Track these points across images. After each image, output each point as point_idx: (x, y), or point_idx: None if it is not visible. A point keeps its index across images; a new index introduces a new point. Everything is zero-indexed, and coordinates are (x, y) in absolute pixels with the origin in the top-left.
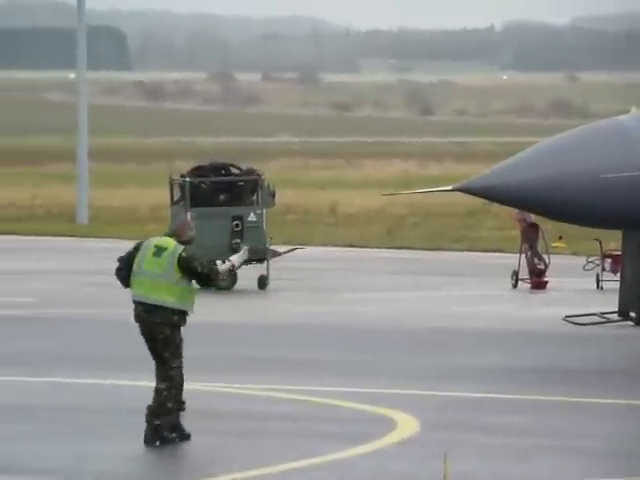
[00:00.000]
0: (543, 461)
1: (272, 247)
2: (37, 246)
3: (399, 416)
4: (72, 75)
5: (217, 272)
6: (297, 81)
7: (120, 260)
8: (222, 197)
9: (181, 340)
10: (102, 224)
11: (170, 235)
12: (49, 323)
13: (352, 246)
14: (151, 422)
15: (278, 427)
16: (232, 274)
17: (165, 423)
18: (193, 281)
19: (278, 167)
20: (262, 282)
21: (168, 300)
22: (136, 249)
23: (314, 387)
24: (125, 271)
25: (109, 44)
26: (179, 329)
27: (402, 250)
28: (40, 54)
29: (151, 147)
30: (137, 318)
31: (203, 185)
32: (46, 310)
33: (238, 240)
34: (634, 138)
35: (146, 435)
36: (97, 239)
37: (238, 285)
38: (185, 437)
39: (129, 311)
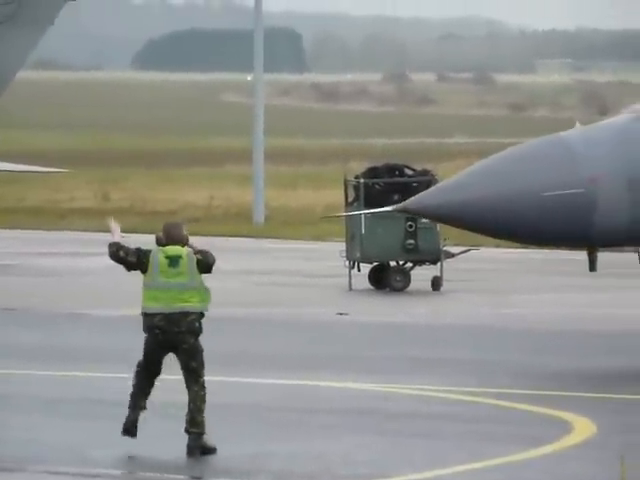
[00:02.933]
0: None
1: (446, 248)
2: (214, 246)
3: (574, 419)
4: (249, 77)
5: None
6: (472, 82)
7: (134, 253)
8: (396, 198)
9: (202, 348)
10: (278, 225)
11: (172, 242)
12: (222, 322)
13: (526, 247)
14: (191, 432)
15: (450, 428)
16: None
17: (202, 431)
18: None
19: (453, 168)
20: (436, 283)
21: (195, 305)
22: (145, 254)
23: (486, 389)
24: (135, 260)
25: (285, 45)
26: (199, 335)
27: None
28: (217, 56)
29: (326, 148)
30: (154, 329)
31: (377, 186)
32: (221, 310)
33: (412, 241)
34: (576, 155)
35: (189, 447)
36: (273, 240)
37: (412, 286)
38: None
39: (298, 310)
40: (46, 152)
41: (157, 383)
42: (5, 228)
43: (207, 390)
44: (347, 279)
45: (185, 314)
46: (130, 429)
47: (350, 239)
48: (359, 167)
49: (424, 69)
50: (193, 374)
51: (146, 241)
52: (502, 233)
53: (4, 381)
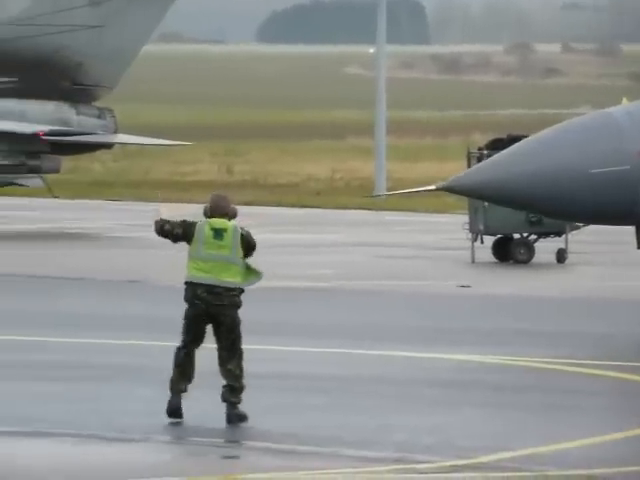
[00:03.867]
0: None
1: None
2: (337, 219)
3: None
4: (371, 49)
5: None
6: (596, 52)
7: (180, 224)
8: None
9: (240, 322)
10: (399, 198)
11: (218, 215)
12: (345, 295)
13: None
14: (231, 401)
15: (569, 401)
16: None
17: (238, 400)
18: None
19: None
20: (560, 256)
21: (237, 280)
22: (191, 225)
23: (607, 362)
24: (181, 232)
25: (408, 17)
26: (239, 308)
27: None
28: (340, 28)
29: (448, 120)
30: (195, 299)
31: None
32: (344, 282)
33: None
34: (623, 131)
35: (228, 416)
36: (394, 212)
37: (536, 259)
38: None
39: (419, 282)
40: (170, 125)
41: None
42: (130, 200)
43: (311, 361)
44: (470, 252)
45: (227, 289)
46: (175, 412)
47: (473, 212)
48: (482, 139)
49: (548, 39)
50: (232, 346)
51: (270, 213)
52: (547, 210)
53: (135, 354)
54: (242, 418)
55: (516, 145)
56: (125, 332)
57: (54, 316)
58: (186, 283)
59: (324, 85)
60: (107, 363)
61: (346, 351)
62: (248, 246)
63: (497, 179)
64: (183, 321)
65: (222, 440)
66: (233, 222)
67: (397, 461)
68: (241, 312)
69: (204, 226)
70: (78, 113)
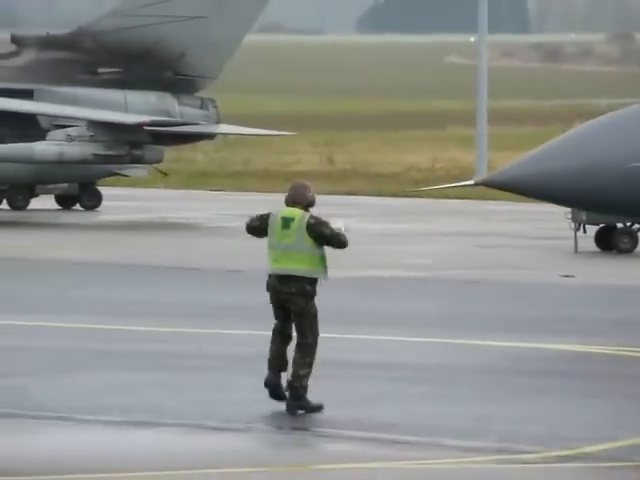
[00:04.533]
0: None
1: None
2: (437, 209)
3: None
4: (472, 38)
5: (343, 236)
6: None
7: (259, 218)
8: None
9: (316, 311)
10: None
11: (292, 204)
12: (443, 284)
13: None
14: (292, 386)
15: None
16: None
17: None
18: (324, 248)
19: None
20: None
21: (301, 269)
22: (266, 216)
23: None
24: (258, 224)
25: (509, 6)
26: (313, 299)
27: None
28: (441, 17)
29: (549, 109)
30: (270, 288)
31: None
32: (444, 272)
33: None
34: None
35: (287, 405)
36: (493, 201)
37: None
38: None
39: (521, 272)
40: (271, 115)
41: None
42: (233, 191)
43: (410, 350)
44: (573, 241)
45: (292, 277)
46: (272, 390)
47: None
48: None
49: None
50: (300, 335)
51: (372, 203)
52: (586, 205)
53: (237, 343)
54: (303, 408)
55: (555, 140)
56: (227, 321)
57: (159, 306)
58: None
59: (425, 74)
60: (212, 352)
61: (446, 341)
62: (317, 235)
63: (535, 174)
64: None
65: (323, 429)
66: (301, 211)
67: (500, 451)
68: (337, 301)
69: (277, 216)
70: (180, 103)
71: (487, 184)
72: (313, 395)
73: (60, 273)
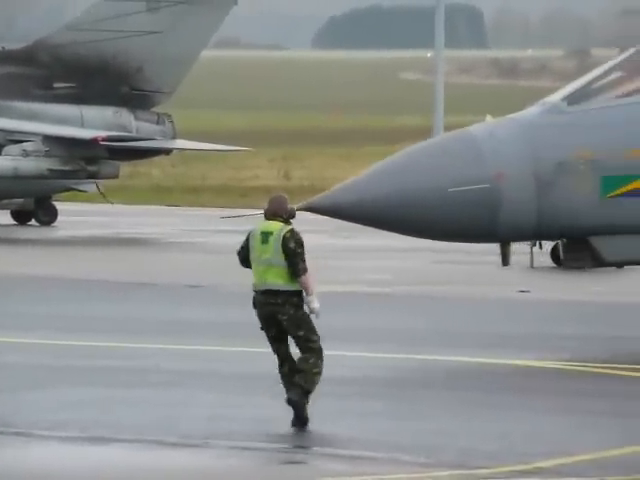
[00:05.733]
0: None
1: None
2: None
3: None
4: (429, 54)
5: (303, 267)
6: None
7: (240, 250)
8: None
9: (308, 315)
10: None
11: (272, 217)
12: (403, 300)
13: None
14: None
15: (638, 407)
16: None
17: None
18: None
19: None
20: None
21: (278, 283)
22: (248, 236)
23: None
24: (243, 253)
25: (466, 22)
26: (302, 308)
27: None
28: (398, 33)
29: None
30: (257, 304)
31: None
32: (402, 287)
33: None
34: (482, 150)
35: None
36: None
37: None
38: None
39: (478, 288)
40: (228, 131)
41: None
42: (189, 206)
43: (370, 366)
44: (529, 256)
45: (277, 291)
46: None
47: None
48: None
49: (607, 44)
50: (302, 342)
51: (329, 218)
52: (408, 229)
53: (197, 359)
54: (303, 421)
55: (375, 165)
56: (187, 337)
57: (119, 321)
58: None
59: (381, 90)
60: (170, 368)
61: (406, 356)
62: (285, 249)
63: (357, 199)
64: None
65: (282, 446)
66: (280, 224)
67: (457, 466)
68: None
69: (257, 232)
70: (137, 118)
71: (309, 209)
72: (273, 410)
73: (17, 289)
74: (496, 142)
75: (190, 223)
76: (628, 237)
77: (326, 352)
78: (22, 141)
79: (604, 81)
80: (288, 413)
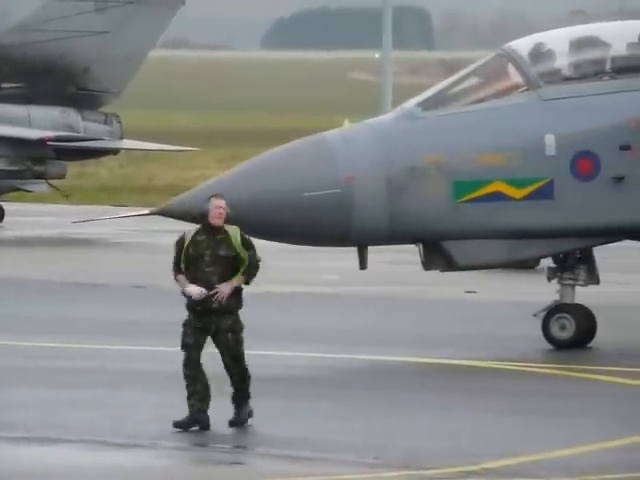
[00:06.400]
0: None
1: None
2: None
3: None
4: (377, 54)
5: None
6: None
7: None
8: None
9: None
10: None
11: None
12: (352, 301)
13: None
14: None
15: (584, 407)
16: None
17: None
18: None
19: None
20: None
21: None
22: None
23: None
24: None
25: (414, 23)
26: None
27: None
28: (346, 34)
29: None
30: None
31: None
32: (349, 288)
33: None
34: (335, 155)
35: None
36: None
37: (544, 263)
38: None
39: (425, 288)
40: (176, 131)
41: None
42: (137, 206)
43: (314, 366)
44: None
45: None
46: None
47: None
48: None
49: None
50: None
51: None
52: (263, 233)
53: (144, 359)
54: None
55: (232, 169)
56: (134, 338)
57: (64, 322)
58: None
59: (329, 90)
60: (116, 369)
61: (352, 357)
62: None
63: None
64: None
65: (228, 446)
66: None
67: (404, 467)
68: (243, 318)
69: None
70: (84, 119)
71: (162, 213)
72: (218, 410)
73: None
74: (348, 147)
75: (137, 223)
76: (479, 242)
77: (272, 352)
78: None
79: (459, 87)
80: (228, 414)
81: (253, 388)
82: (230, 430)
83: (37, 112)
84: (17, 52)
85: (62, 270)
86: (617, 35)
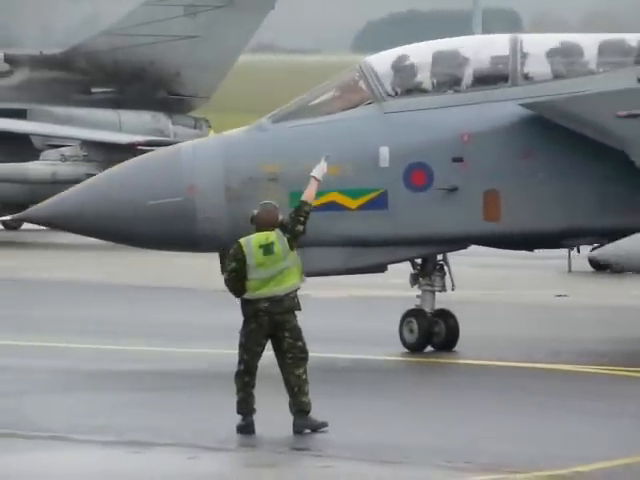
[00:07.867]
0: None
1: None
2: None
3: None
4: None
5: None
6: None
7: (232, 271)
8: None
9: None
10: None
11: (264, 228)
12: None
13: None
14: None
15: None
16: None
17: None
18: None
19: None
20: None
21: (296, 282)
22: (238, 260)
23: None
24: (236, 276)
25: (503, 26)
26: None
27: None
28: (436, 37)
29: None
30: (260, 313)
31: None
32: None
33: None
34: (181, 164)
35: (296, 425)
36: None
37: None
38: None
39: (526, 292)
40: None
41: None
42: None
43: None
44: (567, 261)
45: (289, 294)
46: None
47: None
48: None
49: None
50: (298, 353)
51: None
52: (115, 238)
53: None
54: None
55: (92, 178)
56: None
57: (143, 325)
58: (244, 300)
59: None
60: (199, 371)
61: (441, 360)
62: (297, 237)
63: (70, 208)
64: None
65: (320, 453)
66: (275, 232)
67: (494, 470)
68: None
69: (252, 247)
70: (174, 123)
71: (25, 219)
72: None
73: (52, 292)
74: (195, 157)
75: None
76: (316, 250)
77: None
78: (60, 146)
79: (315, 99)
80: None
81: (336, 390)
82: (314, 435)
83: (127, 117)
84: (107, 57)
85: (106, 272)
86: (468, 50)
